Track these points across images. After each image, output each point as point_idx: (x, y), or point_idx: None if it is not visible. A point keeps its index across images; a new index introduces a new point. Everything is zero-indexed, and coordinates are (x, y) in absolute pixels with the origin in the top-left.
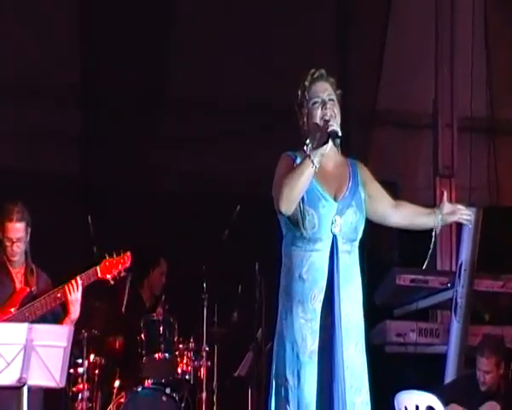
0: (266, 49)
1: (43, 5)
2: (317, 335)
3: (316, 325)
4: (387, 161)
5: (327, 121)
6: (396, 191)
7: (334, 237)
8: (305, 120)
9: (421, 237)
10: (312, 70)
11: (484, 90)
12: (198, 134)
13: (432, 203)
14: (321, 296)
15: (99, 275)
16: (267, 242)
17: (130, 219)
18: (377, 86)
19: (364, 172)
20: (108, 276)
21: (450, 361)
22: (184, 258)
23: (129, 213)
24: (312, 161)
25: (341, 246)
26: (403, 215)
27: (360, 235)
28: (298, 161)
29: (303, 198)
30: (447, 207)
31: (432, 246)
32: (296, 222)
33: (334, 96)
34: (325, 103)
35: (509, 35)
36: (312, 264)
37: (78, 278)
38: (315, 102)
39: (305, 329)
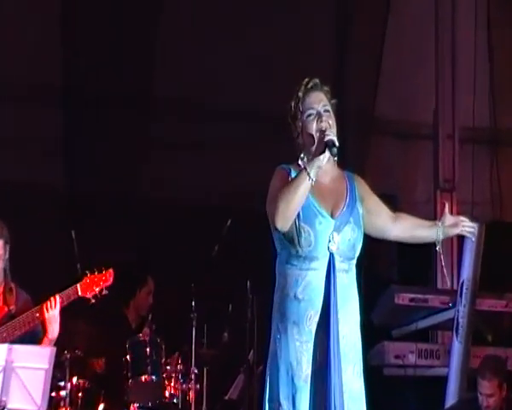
0: (262, 51)
1: (24, 4)
2: (311, 357)
3: (311, 347)
4: (386, 172)
5: (323, 131)
6: (395, 205)
7: (331, 255)
8: (300, 132)
9: (420, 253)
10: (306, 79)
11: (487, 98)
12: (190, 140)
13: (432, 218)
14: (317, 317)
15: (79, 293)
16: (260, 258)
17: (117, 233)
18: (375, 93)
19: (362, 186)
20: (89, 294)
21: (452, 384)
22: (172, 275)
23: (115, 227)
24: (309, 174)
25: (338, 265)
26: (403, 228)
27: (358, 253)
28: (293, 174)
29: (298, 215)
30: (449, 219)
31: (443, 264)
32: (291, 239)
33: (329, 107)
34: (320, 116)
35: None
36: (308, 283)
37: (56, 295)
38: (310, 115)
39: (301, 351)
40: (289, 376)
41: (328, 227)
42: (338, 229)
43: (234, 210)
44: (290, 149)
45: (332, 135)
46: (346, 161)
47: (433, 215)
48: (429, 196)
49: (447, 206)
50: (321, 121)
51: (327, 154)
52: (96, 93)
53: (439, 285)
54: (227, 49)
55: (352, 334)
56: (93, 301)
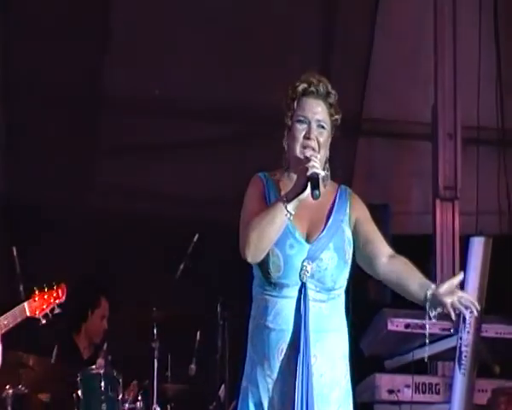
0: (241, 47)
1: None
2: (284, 397)
3: (284, 386)
4: (376, 179)
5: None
6: (386, 216)
7: (303, 284)
8: (286, 134)
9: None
10: (313, 79)
11: (493, 92)
12: (148, 143)
13: (430, 231)
14: (289, 352)
15: (28, 313)
16: (231, 278)
17: (65, 250)
18: (363, 88)
19: (358, 207)
20: (39, 313)
21: None
22: (130, 298)
23: (63, 242)
24: (286, 208)
25: (314, 294)
26: (392, 269)
27: (342, 283)
28: (269, 188)
29: None
30: (446, 287)
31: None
32: (261, 262)
33: (325, 123)
34: (310, 130)
35: None
36: (279, 311)
37: None
38: (299, 121)
39: (273, 390)
40: None
41: (301, 253)
42: (312, 256)
43: (201, 223)
44: (266, 153)
45: (317, 167)
46: (330, 167)
47: (431, 229)
48: (427, 206)
49: (458, 279)
50: (308, 138)
51: (308, 190)
52: (41, 92)
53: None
54: (198, 45)
55: (334, 370)
56: (43, 322)
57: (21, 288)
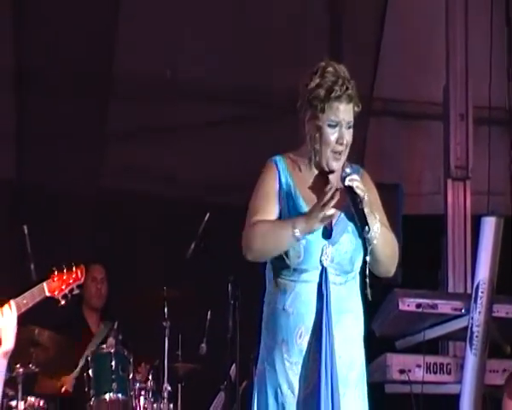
0: (250, 32)
1: None
2: (305, 381)
3: (303, 369)
4: (387, 159)
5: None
6: (398, 196)
7: (324, 268)
8: (311, 132)
9: (428, 251)
10: (341, 81)
11: (505, 73)
12: (158, 125)
13: (442, 212)
14: (308, 336)
15: (47, 293)
16: (242, 258)
17: (77, 230)
18: (375, 69)
19: (368, 187)
20: (58, 294)
21: (465, 403)
22: (142, 277)
23: (74, 223)
24: (295, 236)
25: (333, 278)
26: None
27: (359, 265)
28: (283, 173)
29: None
30: None
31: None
32: None
33: (352, 123)
34: (342, 134)
35: None
36: (297, 295)
37: (11, 301)
38: (331, 125)
39: (292, 374)
40: (279, 402)
41: (321, 238)
42: (333, 240)
43: (212, 204)
44: (278, 136)
45: (354, 178)
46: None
47: (442, 209)
48: (439, 186)
49: None
50: (341, 143)
51: (331, 211)
52: (50, 78)
53: (451, 289)
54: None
55: (353, 351)
56: (63, 302)
57: (32, 267)
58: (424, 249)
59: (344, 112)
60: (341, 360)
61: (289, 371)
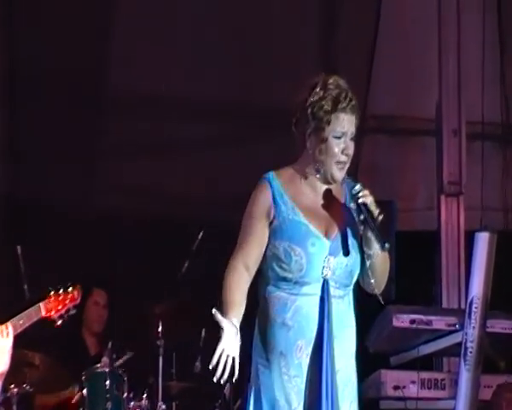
0: (242, 45)
1: None
2: (302, 395)
3: (302, 383)
4: (381, 175)
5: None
6: (392, 213)
7: (325, 281)
8: (314, 143)
9: (422, 267)
10: (345, 94)
11: (497, 88)
12: (150, 142)
13: (435, 227)
14: (308, 349)
15: (43, 314)
16: None
17: (69, 250)
18: (368, 84)
19: None
20: (55, 314)
21: None
22: (135, 296)
23: (67, 242)
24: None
25: (333, 291)
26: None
27: (355, 279)
28: (277, 190)
29: (287, 235)
30: None
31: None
32: (280, 261)
33: (354, 134)
34: (347, 145)
35: None
36: (299, 309)
37: (8, 323)
38: (336, 136)
39: (289, 387)
40: None
41: (323, 250)
42: (334, 253)
43: (206, 221)
44: (270, 151)
45: (366, 194)
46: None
47: (436, 225)
48: (432, 201)
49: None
50: (347, 154)
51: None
52: (42, 93)
53: (445, 304)
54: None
55: (348, 367)
56: (59, 323)
57: (26, 287)
58: (418, 265)
59: (349, 123)
60: (339, 375)
61: (287, 384)
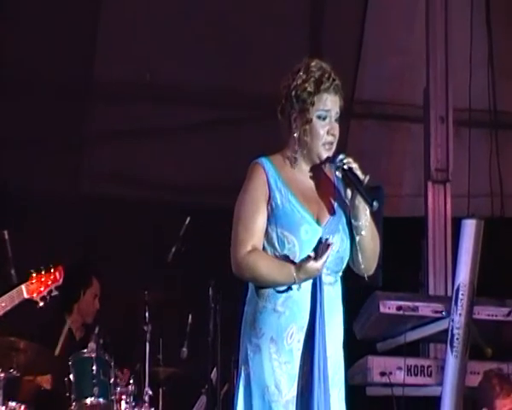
0: (229, 33)
1: None
2: (294, 381)
3: (292, 369)
4: (368, 161)
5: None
6: (379, 198)
7: None
8: (297, 123)
9: (409, 253)
10: (328, 74)
11: (485, 75)
12: (138, 127)
13: (422, 213)
14: (299, 335)
15: (25, 295)
16: (223, 261)
17: (56, 235)
18: (355, 70)
19: None
20: (37, 296)
21: (446, 405)
22: (122, 281)
23: (55, 227)
24: (295, 280)
25: (324, 277)
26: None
27: (345, 265)
28: (271, 174)
29: (280, 222)
30: None
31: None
32: (272, 248)
33: (338, 115)
34: (333, 126)
35: None
36: (291, 295)
37: None
38: (320, 116)
39: (280, 373)
40: (266, 401)
41: (315, 236)
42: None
43: (193, 207)
44: (258, 137)
45: (351, 160)
46: None
47: (422, 211)
48: (419, 188)
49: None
50: (333, 134)
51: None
52: (28, 78)
53: (431, 291)
54: (180, 27)
55: (337, 354)
56: (41, 304)
57: (13, 272)
58: (405, 252)
59: (332, 102)
60: (329, 361)
61: (278, 370)
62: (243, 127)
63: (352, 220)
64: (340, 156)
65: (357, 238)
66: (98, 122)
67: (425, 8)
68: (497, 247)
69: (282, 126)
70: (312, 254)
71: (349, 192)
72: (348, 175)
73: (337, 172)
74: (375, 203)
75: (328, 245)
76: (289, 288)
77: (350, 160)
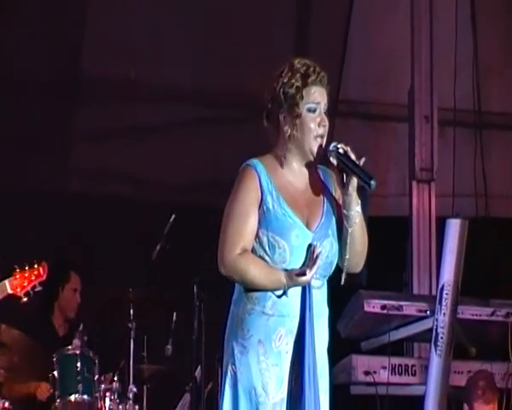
0: (216, 32)
1: None
2: (282, 384)
3: (281, 371)
4: None
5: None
6: (364, 197)
7: None
8: (288, 122)
9: (394, 253)
10: (312, 68)
11: (470, 75)
12: (122, 126)
13: (407, 213)
14: (288, 339)
15: (9, 290)
16: (208, 260)
17: (42, 231)
18: (340, 70)
19: (337, 188)
20: (21, 291)
21: (430, 404)
22: (106, 279)
23: (40, 224)
24: (285, 289)
25: (313, 282)
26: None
27: (333, 269)
28: (263, 176)
29: (270, 226)
30: None
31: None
32: (262, 252)
33: (326, 108)
34: (322, 118)
35: (499, 4)
36: (280, 298)
37: None
38: (310, 109)
39: (268, 375)
40: (252, 403)
41: (306, 241)
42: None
43: (178, 205)
44: (244, 137)
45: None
46: None
47: (407, 211)
48: (404, 187)
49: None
50: (324, 126)
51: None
52: (14, 76)
53: (415, 290)
54: (168, 25)
55: (322, 357)
56: (25, 299)
57: None
58: (389, 251)
59: (321, 95)
60: (317, 364)
61: (265, 372)
62: (228, 126)
63: (345, 211)
64: (333, 143)
65: (349, 230)
66: (85, 120)
67: (410, 9)
68: (481, 247)
69: (269, 131)
70: (305, 270)
71: (345, 179)
72: (343, 159)
73: (331, 159)
74: (372, 182)
75: (317, 256)
76: (284, 293)
77: (343, 144)
